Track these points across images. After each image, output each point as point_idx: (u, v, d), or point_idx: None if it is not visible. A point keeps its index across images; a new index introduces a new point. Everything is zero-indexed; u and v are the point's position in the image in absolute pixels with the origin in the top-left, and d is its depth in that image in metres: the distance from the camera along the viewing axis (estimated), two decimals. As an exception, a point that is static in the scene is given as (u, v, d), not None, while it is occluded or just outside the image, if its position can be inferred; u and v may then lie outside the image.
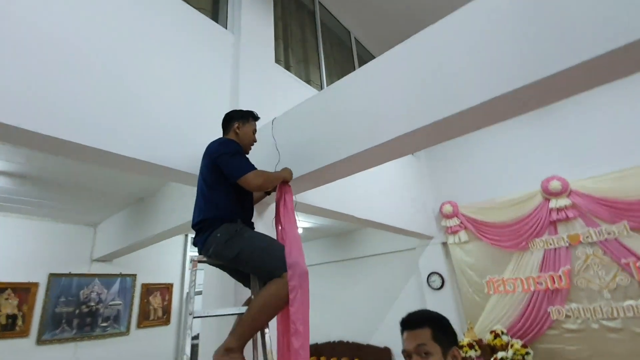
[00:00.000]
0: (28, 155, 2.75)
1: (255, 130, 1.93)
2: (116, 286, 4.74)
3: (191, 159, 2.06)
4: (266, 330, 1.44)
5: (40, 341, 3.93)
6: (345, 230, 6.09)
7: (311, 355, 4.14)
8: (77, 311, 4.31)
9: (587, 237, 3.85)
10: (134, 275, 4.93)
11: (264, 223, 2.21)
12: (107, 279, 4.68)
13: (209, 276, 2.36)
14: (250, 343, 1.56)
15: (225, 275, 1.89)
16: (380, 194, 3.80)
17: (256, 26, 3.00)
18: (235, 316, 1.63)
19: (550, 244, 4.05)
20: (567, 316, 3.83)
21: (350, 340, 5.53)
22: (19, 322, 3.86)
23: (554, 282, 3.93)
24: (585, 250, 3.86)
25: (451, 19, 1.66)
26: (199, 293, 2.72)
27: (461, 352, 0.98)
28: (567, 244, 3.96)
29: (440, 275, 4.78)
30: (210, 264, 1.68)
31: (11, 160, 2.84)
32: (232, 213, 1.60)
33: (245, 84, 2.61)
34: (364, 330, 5.50)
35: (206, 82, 2.42)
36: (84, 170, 3.15)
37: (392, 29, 4.80)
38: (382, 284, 5.56)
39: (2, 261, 3.96)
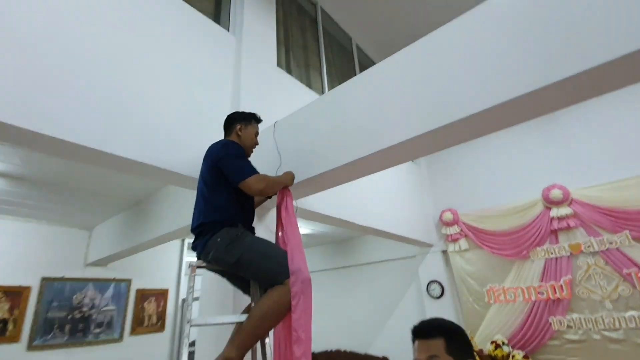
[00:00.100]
0: (24, 156, 2.69)
1: (257, 133, 1.89)
2: (110, 291, 4.65)
3: (190, 162, 2.03)
4: (267, 339, 1.38)
5: (31, 347, 3.83)
6: (344, 238, 6.04)
7: (308, 364, 4.04)
8: (69, 316, 4.21)
9: (589, 246, 3.82)
10: (129, 281, 4.84)
11: (264, 227, 2.16)
12: (101, 284, 4.59)
13: (207, 282, 2.30)
14: (249, 352, 1.50)
15: (223, 281, 1.83)
16: (380, 200, 3.77)
17: (258, 29, 2.99)
18: (234, 324, 1.58)
19: (552, 253, 4.01)
20: (569, 326, 3.78)
21: (348, 350, 5.42)
22: (10, 326, 3.77)
23: (555, 292, 3.89)
24: (587, 260, 3.82)
25: (455, 24, 1.65)
26: (196, 299, 2.66)
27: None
28: (569, 254, 3.92)
29: (440, 284, 4.72)
30: (209, 269, 1.62)
31: (7, 161, 2.78)
32: (233, 217, 1.55)
33: (247, 87, 2.58)
34: (362, 339, 5.41)
35: (207, 84, 2.39)
36: (80, 172, 3.09)
37: (393, 35, 4.81)
38: (381, 292, 5.49)
39: (-6, 264, 3.87)
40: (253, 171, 1.58)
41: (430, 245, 4.93)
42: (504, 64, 1.42)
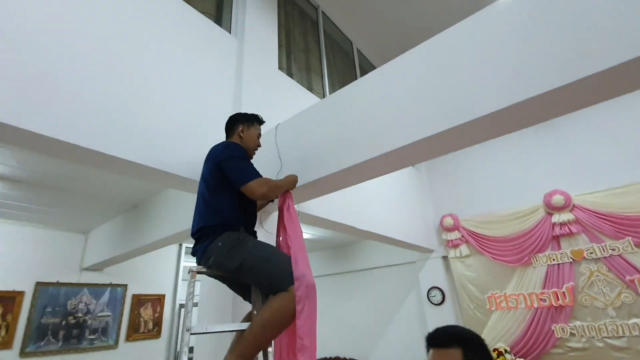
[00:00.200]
0: (20, 158, 2.64)
1: (259, 135, 1.85)
2: (106, 296, 4.57)
3: (191, 164, 1.99)
4: (269, 349, 1.33)
5: (23, 353, 3.74)
6: (343, 243, 5.98)
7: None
8: (63, 322, 4.12)
9: (591, 253, 3.79)
10: (125, 286, 4.76)
11: (264, 232, 2.11)
12: (96, 289, 4.51)
13: (206, 288, 2.24)
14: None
15: (222, 287, 1.78)
16: (380, 205, 3.73)
17: (260, 31, 2.96)
18: (234, 332, 1.53)
19: (554, 260, 3.98)
20: (572, 334, 3.74)
21: (347, 356, 5.37)
22: (2, 332, 3.68)
23: (558, 299, 3.84)
24: (589, 267, 3.79)
25: (464, 25, 1.62)
26: (194, 306, 2.59)
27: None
28: (571, 260, 3.89)
29: (441, 290, 4.67)
30: (209, 275, 1.57)
31: (3, 163, 2.73)
32: (235, 220, 1.51)
33: (248, 89, 2.55)
34: (362, 346, 5.35)
35: (208, 85, 2.35)
36: (77, 174, 3.04)
37: (394, 40, 4.81)
38: (381, 298, 5.43)
39: (-13, 268, 3.80)
40: (256, 174, 1.54)
41: (430, 251, 4.88)
42: (517, 64, 1.39)
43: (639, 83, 1.28)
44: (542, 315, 3.90)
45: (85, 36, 1.72)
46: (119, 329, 4.53)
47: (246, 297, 1.65)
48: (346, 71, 4.58)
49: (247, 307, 1.71)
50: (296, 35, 3.79)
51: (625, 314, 3.52)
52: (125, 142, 1.71)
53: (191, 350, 2.13)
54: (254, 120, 1.82)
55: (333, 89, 3.98)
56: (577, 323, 3.73)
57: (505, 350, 3.85)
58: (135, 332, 4.66)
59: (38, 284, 4.06)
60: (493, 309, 4.24)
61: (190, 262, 5.59)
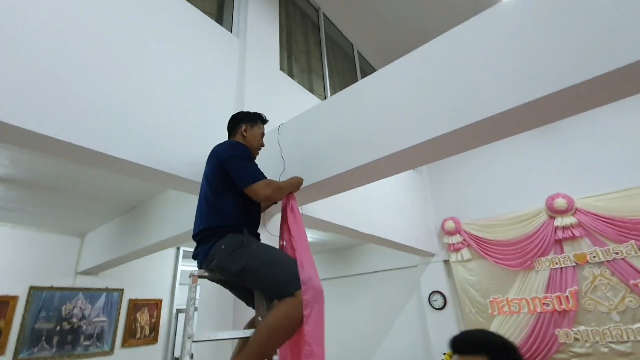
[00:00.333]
0: (14, 157, 2.57)
1: (263, 134, 1.80)
2: (101, 301, 4.47)
3: (191, 165, 1.94)
4: (275, 357, 1.26)
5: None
6: (344, 246, 5.93)
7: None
8: (58, 328, 4.03)
9: (594, 256, 3.75)
10: (121, 290, 4.67)
11: (268, 234, 2.05)
12: (91, 294, 4.42)
13: (205, 293, 2.18)
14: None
15: (222, 291, 1.72)
16: (381, 208, 3.69)
17: (262, 31, 2.93)
18: (237, 340, 1.47)
19: (556, 264, 3.94)
20: (576, 339, 3.69)
21: (347, 362, 5.30)
22: (-5, 338, 3.59)
23: (561, 303, 3.80)
24: (593, 271, 3.75)
25: (469, 25, 1.60)
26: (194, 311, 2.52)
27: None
28: (574, 264, 3.85)
29: (442, 295, 4.62)
30: (211, 279, 1.51)
31: (-5, 163, 2.66)
32: (238, 222, 1.45)
33: (250, 89, 2.51)
34: (362, 351, 5.28)
35: (209, 85, 2.31)
36: (73, 175, 2.97)
37: (395, 43, 4.79)
38: (381, 302, 5.37)
39: (-20, 272, 3.71)
40: (260, 175, 1.48)
41: (431, 255, 4.83)
42: (524, 64, 1.37)
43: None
44: (545, 320, 3.85)
45: (85, 34, 1.68)
46: (114, 334, 4.44)
47: (249, 302, 1.59)
48: (347, 73, 4.55)
49: (249, 312, 1.65)
50: (297, 36, 3.76)
51: (630, 319, 3.48)
52: (125, 141, 1.67)
53: (192, 357, 2.05)
54: (258, 119, 1.77)
55: (334, 91, 3.95)
56: (581, 328, 3.68)
57: (509, 356, 3.79)
58: (132, 337, 4.57)
59: (32, 288, 3.97)
60: (495, 313, 4.18)
61: (188, 266, 5.51)
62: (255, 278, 1.33)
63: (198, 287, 1.44)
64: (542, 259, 4.02)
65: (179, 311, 5.19)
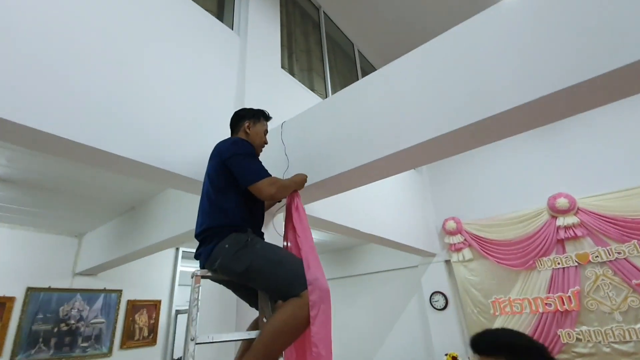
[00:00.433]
0: (10, 156, 2.53)
1: (266, 131, 1.76)
2: (99, 302, 4.42)
3: (192, 163, 1.90)
4: (280, 359, 1.23)
5: (13, 362, 3.59)
6: (345, 246, 5.90)
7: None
8: (55, 329, 3.98)
9: (597, 256, 3.73)
10: (120, 291, 4.62)
11: (275, 233, 2.02)
12: (89, 295, 4.36)
13: (206, 293, 2.13)
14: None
15: (224, 292, 1.68)
16: (382, 208, 3.66)
17: (263, 28, 2.90)
18: (240, 342, 1.44)
19: (559, 264, 3.92)
20: (578, 339, 3.67)
21: (348, 363, 5.27)
22: (-9, 340, 3.53)
23: (563, 304, 3.78)
24: (595, 270, 3.74)
25: (475, 21, 1.58)
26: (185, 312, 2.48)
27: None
28: (576, 264, 3.83)
29: (444, 295, 4.59)
30: (214, 279, 1.47)
31: (-8, 162, 2.62)
32: (242, 221, 1.41)
33: (251, 86, 2.47)
34: (363, 352, 5.25)
35: (210, 82, 2.27)
36: (72, 174, 2.93)
37: (395, 43, 4.77)
38: (382, 303, 5.34)
39: (-24, 273, 3.66)
40: (265, 173, 1.45)
41: (433, 255, 4.81)
42: (530, 61, 1.35)
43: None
44: (548, 320, 3.84)
45: (85, 31, 1.64)
46: (113, 336, 4.38)
47: (252, 303, 1.56)
48: (347, 73, 4.53)
49: (252, 313, 1.61)
50: (297, 35, 3.73)
51: (632, 319, 3.47)
52: (125, 139, 1.63)
53: None
54: (261, 116, 1.73)
55: (335, 91, 3.92)
56: (584, 328, 3.67)
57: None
58: (130, 339, 4.51)
59: (29, 289, 3.92)
60: (497, 314, 4.17)
61: (187, 267, 5.47)
62: (260, 278, 1.30)
63: (190, 287, 1.40)
64: (544, 258, 4.00)
65: (178, 312, 5.14)
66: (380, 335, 5.18)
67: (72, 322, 4.12)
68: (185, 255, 5.39)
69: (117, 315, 4.50)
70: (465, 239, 4.60)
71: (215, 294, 2.07)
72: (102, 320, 4.36)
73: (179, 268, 5.28)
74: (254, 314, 1.59)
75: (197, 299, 1.29)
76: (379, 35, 4.79)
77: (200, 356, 2.00)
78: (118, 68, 1.72)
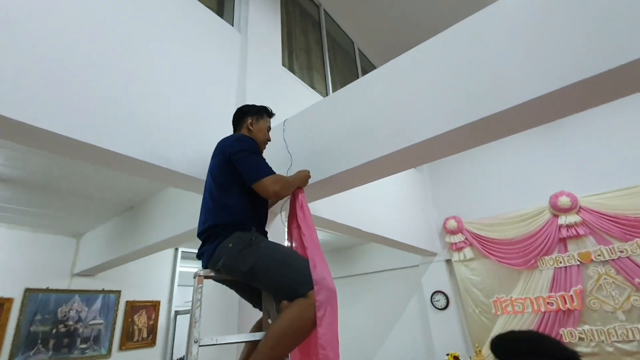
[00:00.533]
0: (8, 155, 2.49)
1: (269, 128, 1.73)
2: (98, 303, 4.37)
3: (192, 161, 1.87)
4: (286, 361, 1.20)
5: (11, 364, 3.55)
6: (345, 246, 5.87)
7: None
8: (54, 330, 3.93)
9: (599, 255, 3.72)
10: (118, 292, 4.57)
11: (276, 230, 1.99)
12: (88, 295, 4.32)
13: (207, 294, 2.10)
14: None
15: (226, 292, 1.65)
16: (383, 207, 3.64)
17: (263, 25, 2.87)
18: (244, 344, 1.40)
19: (561, 262, 3.90)
20: (581, 339, 3.65)
21: (348, 363, 5.23)
22: (-11, 342, 3.49)
23: (566, 303, 3.76)
24: (597, 269, 3.72)
25: (482, 14, 1.56)
26: (186, 313, 2.44)
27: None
28: (578, 263, 3.82)
29: (445, 295, 4.57)
30: (216, 279, 1.44)
31: (-12, 161, 2.58)
32: (246, 219, 1.38)
33: (252, 83, 2.44)
34: (364, 351, 5.22)
35: (211, 79, 2.24)
36: (70, 173, 2.89)
37: (395, 41, 4.74)
38: (383, 302, 5.31)
39: (-27, 274, 3.61)
40: (269, 170, 1.42)
41: (433, 254, 4.79)
42: (536, 57, 1.33)
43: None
44: (550, 319, 3.82)
45: (85, 27, 1.61)
46: (111, 337, 4.34)
47: (255, 303, 1.53)
48: (347, 72, 4.50)
49: (255, 314, 1.58)
50: (298, 33, 3.71)
51: (635, 318, 3.45)
52: (124, 137, 1.60)
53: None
54: (264, 112, 1.70)
55: (335, 89, 3.90)
56: (586, 327, 3.65)
57: (513, 356, 3.75)
58: (129, 340, 4.47)
59: (27, 290, 3.87)
60: (499, 313, 4.14)
61: (187, 267, 5.42)
62: (265, 278, 1.27)
63: (190, 288, 1.37)
64: (546, 257, 3.99)
65: (177, 313, 5.09)
66: (380, 335, 5.16)
67: (71, 323, 4.08)
68: (185, 256, 5.35)
69: (116, 316, 4.46)
70: (466, 238, 4.58)
71: (216, 294, 2.04)
72: (101, 321, 4.32)
73: (179, 268, 5.24)
74: (257, 314, 1.56)
75: (200, 299, 1.26)
76: (379, 34, 4.77)
77: (201, 356, 1.97)
78: (118, 66, 1.69)
